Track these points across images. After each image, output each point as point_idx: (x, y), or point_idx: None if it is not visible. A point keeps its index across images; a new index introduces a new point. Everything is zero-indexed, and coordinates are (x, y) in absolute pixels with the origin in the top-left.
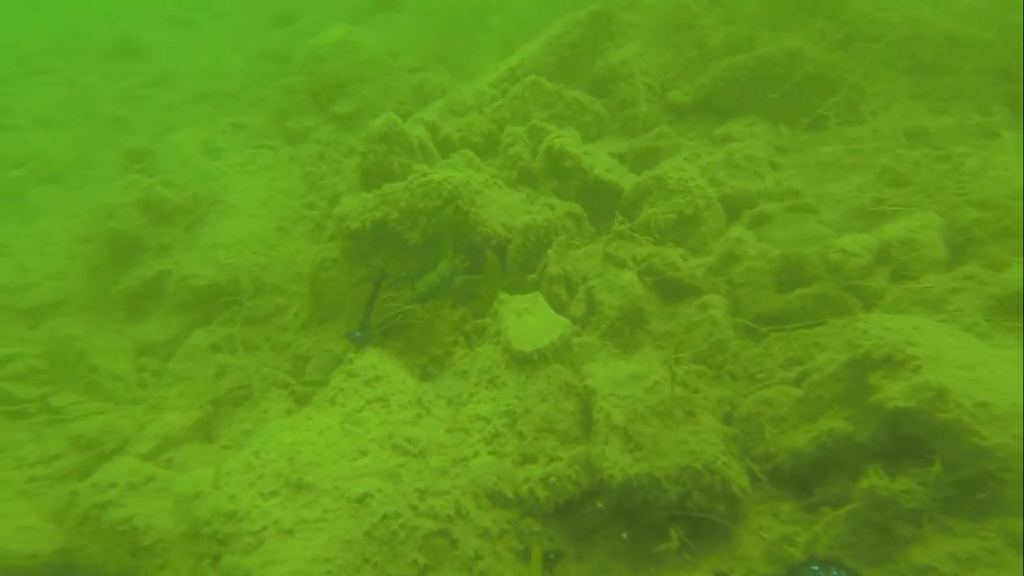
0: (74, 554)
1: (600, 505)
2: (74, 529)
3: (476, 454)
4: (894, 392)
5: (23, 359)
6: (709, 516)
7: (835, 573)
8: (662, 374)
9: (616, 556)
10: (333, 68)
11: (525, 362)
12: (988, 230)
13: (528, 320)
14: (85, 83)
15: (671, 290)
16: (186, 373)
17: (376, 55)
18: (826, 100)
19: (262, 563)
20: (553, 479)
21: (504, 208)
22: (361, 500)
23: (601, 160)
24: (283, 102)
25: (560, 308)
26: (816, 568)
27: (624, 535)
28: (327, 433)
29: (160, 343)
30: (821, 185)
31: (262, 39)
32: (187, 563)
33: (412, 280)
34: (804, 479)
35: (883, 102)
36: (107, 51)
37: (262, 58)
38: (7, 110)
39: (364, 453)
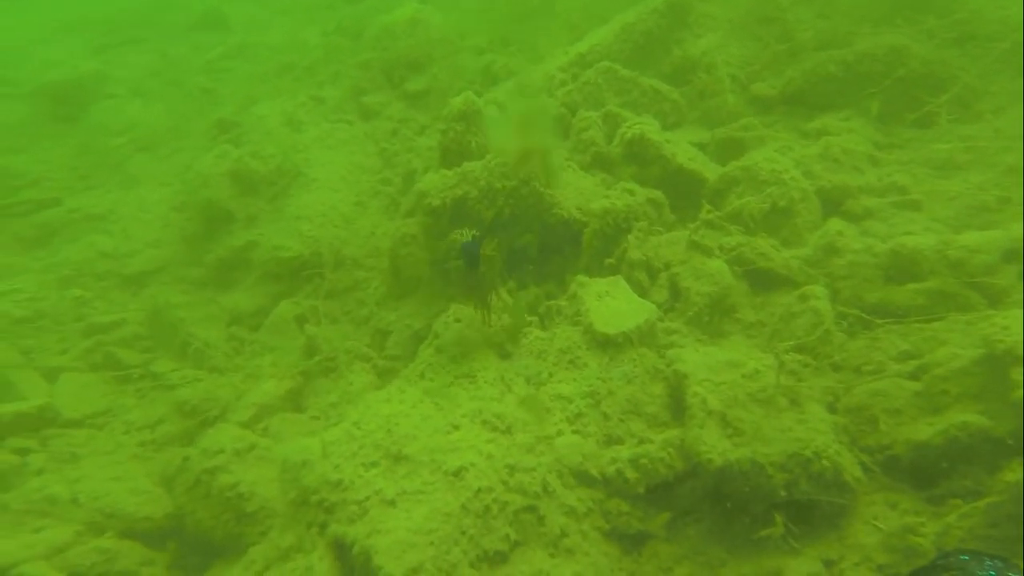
0: (184, 518)
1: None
2: (185, 494)
3: (560, 433)
4: None
5: (128, 325)
6: (818, 503)
7: (988, 563)
8: (760, 362)
9: (710, 539)
10: (405, 46)
11: (608, 344)
12: None
13: (610, 303)
14: (173, 54)
15: (762, 280)
16: (273, 344)
17: (445, 35)
18: (934, 98)
19: (368, 532)
20: (644, 461)
21: (579, 191)
22: (457, 473)
23: (683, 148)
24: (358, 77)
25: (641, 293)
26: (966, 557)
27: (725, 524)
28: (420, 407)
29: (248, 313)
30: (931, 182)
31: (334, 14)
32: (295, 531)
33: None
34: (925, 471)
35: (1003, 101)
36: (192, 22)
37: (336, 33)
38: (105, 78)
39: (456, 427)
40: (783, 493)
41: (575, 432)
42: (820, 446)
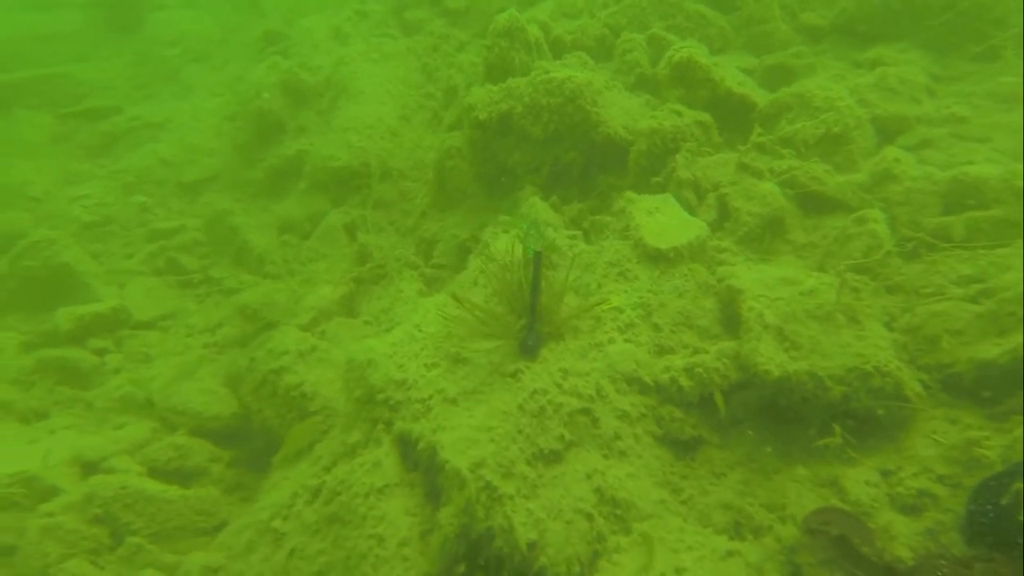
0: (250, 417)
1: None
2: (251, 393)
3: (612, 341)
4: None
5: (187, 232)
6: (877, 418)
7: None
8: (817, 280)
9: (764, 448)
10: None
11: (660, 259)
12: None
13: (660, 219)
14: None
15: (814, 204)
16: (325, 251)
17: None
18: (996, 32)
19: (433, 429)
20: (699, 370)
21: (625, 111)
22: (513, 375)
23: (732, 73)
24: None
25: (689, 212)
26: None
27: (779, 433)
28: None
29: (299, 220)
30: (993, 115)
31: None
32: (361, 428)
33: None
34: (987, 391)
35: None
36: None
37: None
38: None
39: None
40: (840, 406)
41: (627, 341)
42: (880, 361)
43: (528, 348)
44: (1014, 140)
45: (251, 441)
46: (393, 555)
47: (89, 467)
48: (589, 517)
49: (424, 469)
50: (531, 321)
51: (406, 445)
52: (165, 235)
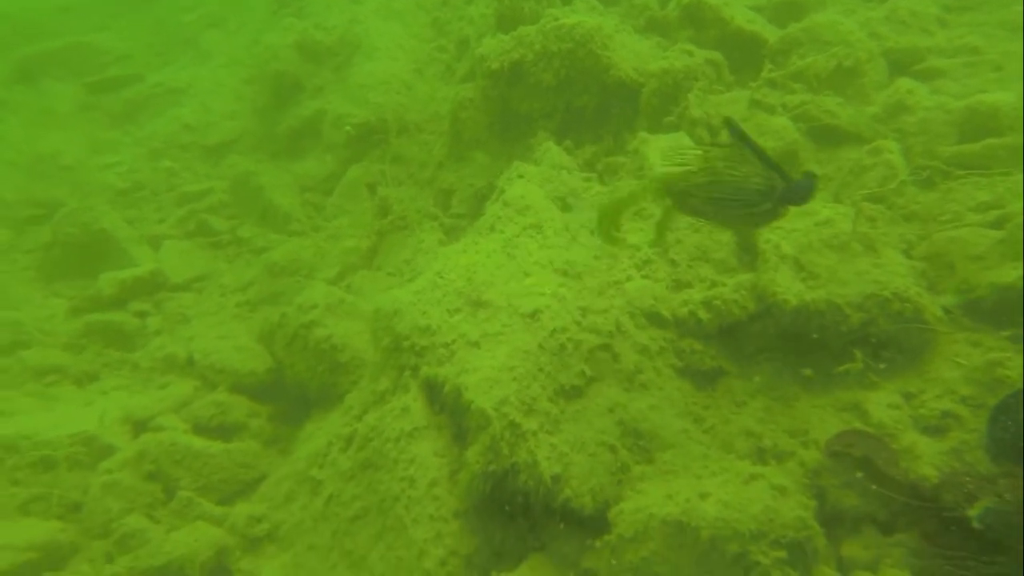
0: (284, 372)
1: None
2: (285, 348)
3: (629, 278)
4: None
5: (214, 194)
6: (898, 344)
7: None
8: (833, 211)
9: (784, 375)
10: None
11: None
12: None
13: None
14: None
15: (828, 137)
16: (347, 207)
17: None
18: None
19: (457, 372)
20: (718, 302)
21: (635, 54)
22: (532, 315)
23: (741, 11)
24: None
25: None
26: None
27: (799, 361)
28: (494, 256)
29: (320, 178)
30: (1006, 43)
31: None
32: (390, 376)
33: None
34: (1007, 314)
35: None
36: None
37: None
38: None
39: (528, 274)
40: (859, 332)
41: (644, 277)
42: (899, 287)
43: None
44: None
45: (286, 395)
46: (424, 495)
47: (139, 425)
48: (612, 449)
49: (450, 411)
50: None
51: (432, 389)
52: (194, 198)
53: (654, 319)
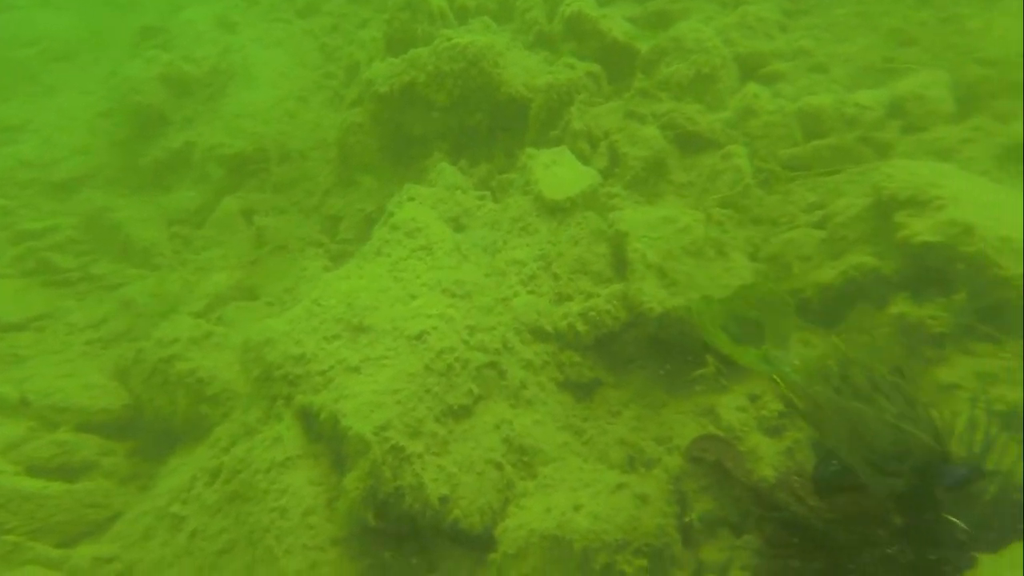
0: (142, 408)
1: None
2: (142, 383)
3: (516, 294)
4: (921, 228)
5: (61, 231)
6: None
7: None
8: (691, 217)
9: (653, 383)
10: None
11: (556, 210)
12: (994, 85)
13: (556, 171)
14: None
15: (689, 143)
16: (221, 238)
17: None
18: None
19: (335, 398)
20: (592, 314)
21: (525, 69)
22: (419, 337)
23: (617, 23)
24: None
25: (584, 161)
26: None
27: (665, 367)
28: (378, 280)
29: (191, 211)
30: (831, 45)
31: None
32: (260, 406)
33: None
34: (830, 311)
35: None
36: None
37: None
38: None
39: (415, 296)
40: None
41: (530, 292)
42: None
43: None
44: (847, 69)
45: (146, 431)
46: (297, 525)
47: None
48: (499, 466)
49: (328, 439)
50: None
51: (308, 418)
52: (33, 236)
53: (538, 334)
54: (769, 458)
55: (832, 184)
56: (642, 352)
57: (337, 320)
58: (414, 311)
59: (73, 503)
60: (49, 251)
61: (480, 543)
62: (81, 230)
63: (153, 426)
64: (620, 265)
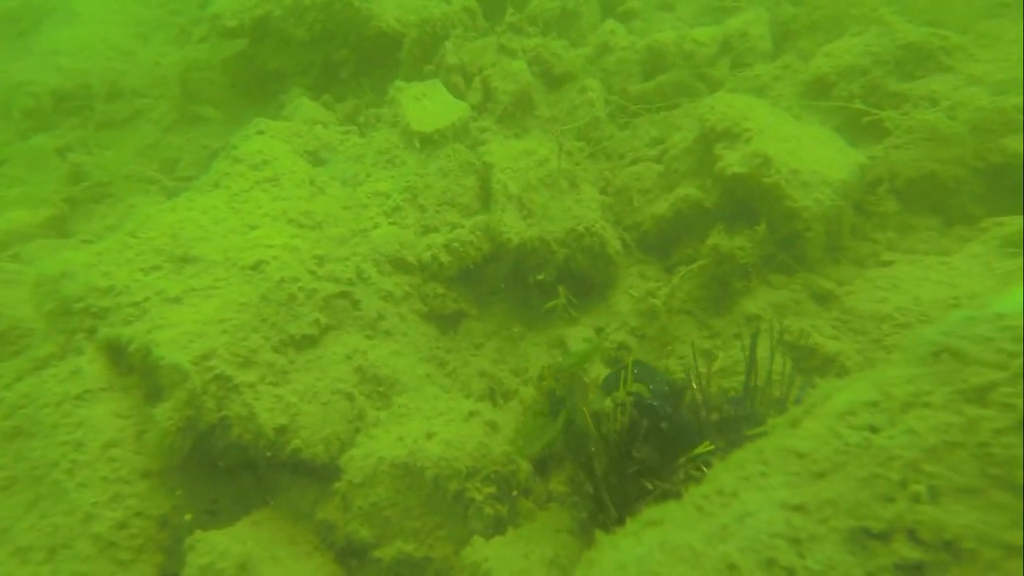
0: None
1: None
2: None
3: (376, 226)
4: (732, 160)
5: None
6: (591, 278)
7: (636, 371)
8: (549, 149)
9: (513, 315)
10: None
11: (426, 142)
12: (801, 24)
13: (427, 105)
14: None
15: (554, 79)
16: (26, 177)
17: None
18: None
19: (148, 329)
20: (456, 244)
21: (398, 4)
22: (255, 267)
23: None
24: None
25: (458, 96)
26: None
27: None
28: (212, 212)
29: None
30: None
31: None
32: (55, 341)
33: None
34: (664, 244)
35: None
36: None
37: None
38: None
39: (255, 227)
40: (563, 267)
41: (392, 224)
42: (589, 222)
43: None
44: (691, 7)
45: None
46: (95, 458)
47: None
48: (349, 396)
49: (140, 371)
50: None
51: (117, 351)
52: None
53: (399, 265)
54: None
55: (671, 119)
56: (503, 284)
57: (157, 251)
58: (252, 241)
59: None
60: None
61: (325, 473)
62: None
63: None
64: (486, 197)
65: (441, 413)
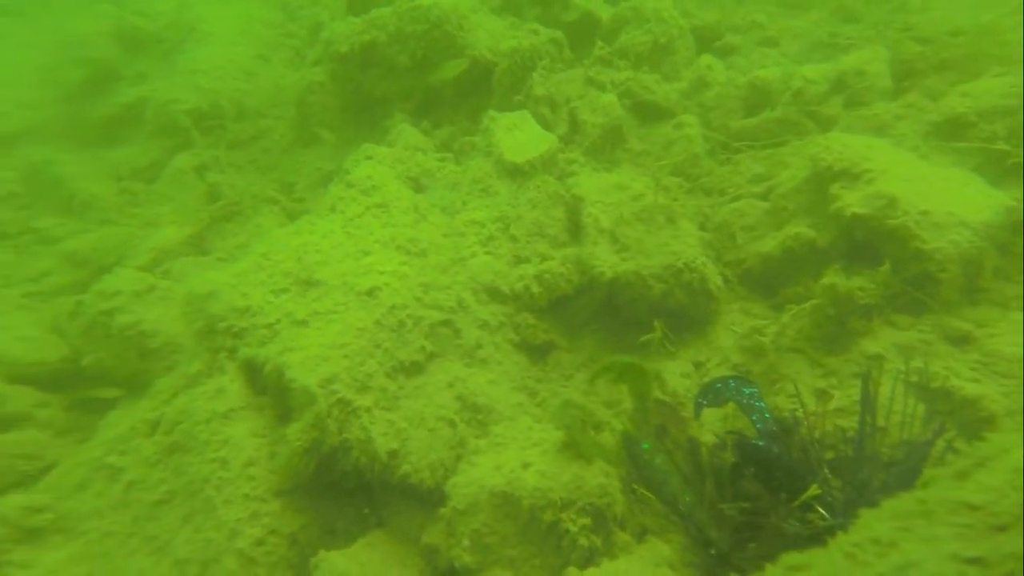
0: (82, 360)
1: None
2: (82, 336)
3: (473, 255)
4: (851, 200)
5: (2, 184)
6: (690, 312)
7: (732, 384)
8: (644, 184)
9: (604, 347)
10: None
11: (516, 172)
12: (928, 63)
13: (517, 135)
14: None
15: (646, 113)
16: (172, 194)
17: None
18: None
19: (280, 351)
20: (547, 276)
21: (490, 33)
22: (370, 293)
23: None
24: None
25: (545, 126)
26: (719, 386)
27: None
28: (331, 236)
29: (142, 167)
30: (782, 20)
31: None
32: (203, 359)
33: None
34: (770, 281)
35: None
36: None
37: None
38: None
39: (368, 253)
40: (660, 302)
41: (487, 253)
42: (689, 258)
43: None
44: (797, 44)
45: (86, 384)
46: (238, 475)
47: None
48: (451, 423)
49: (273, 391)
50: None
51: (253, 370)
52: None
53: (495, 294)
54: (710, 424)
55: (778, 156)
56: (594, 316)
57: (286, 274)
58: (366, 267)
59: (2, 454)
60: None
61: (431, 498)
62: (21, 184)
63: (95, 379)
64: (575, 230)
65: (536, 444)
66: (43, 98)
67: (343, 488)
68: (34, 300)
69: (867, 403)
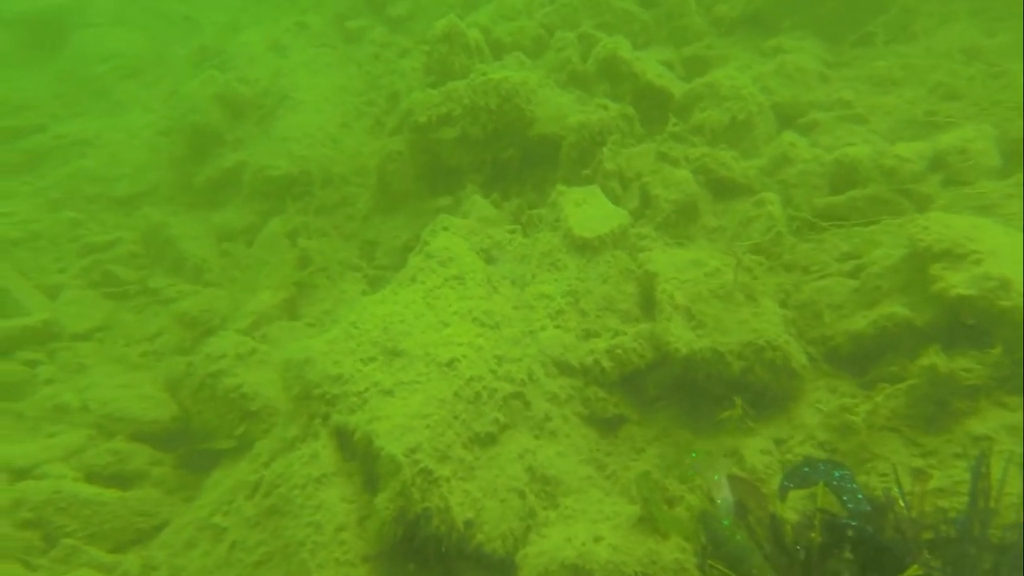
0: (190, 420)
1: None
2: (190, 397)
3: (543, 328)
4: (956, 281)
5: (123, 244)
6: (771, 389)
7: (822, 467)
8: (721, 261)
9: (677, 422)
10: None
11: (586, 247)
12: None
13: (587, 210)
14: None
15: (722, 189)
16: (266, 258)
17: None
18: (875, 18)
19: (368, 419)
20: (619, 351)
21: (557, 107)
22: (449, 364)
23: (652, 66)
24: (340, 3)
25: (615, 201)
26: (807, 469)
27: (690, 408)
28: (413, 307)
29: (240, 230)
30: (871, 97)
31: None
32: (299, 423)
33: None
34: (859, 360)
35: (935, 22)
36: None
37: None
38: (84, 7)
39: (447, 324)
40: (739, 380)
41: (557, 327)
42: (771, 336)
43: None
44: (886, 121)
45: (192, 443)
46: (330, 540)
47: (19, 474)
48: (522, 494)
49: (361, 458)
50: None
51: (343, 437)
52: (99, 248)
53: (564, 368)
54: (793, 501)
55: (867, 235)
56: (667, 391)
57: (373, 343)
58: (446, 338)
59: (125, 510)
60: (112, 264)
61: (502, 568)
62: (141, 244)
63: (200, 438)
64: (648, 305)
65: (607, 518)
66: (157, 160)
67: (423, 555)
68: (150, 359)
69: (978, 481)
